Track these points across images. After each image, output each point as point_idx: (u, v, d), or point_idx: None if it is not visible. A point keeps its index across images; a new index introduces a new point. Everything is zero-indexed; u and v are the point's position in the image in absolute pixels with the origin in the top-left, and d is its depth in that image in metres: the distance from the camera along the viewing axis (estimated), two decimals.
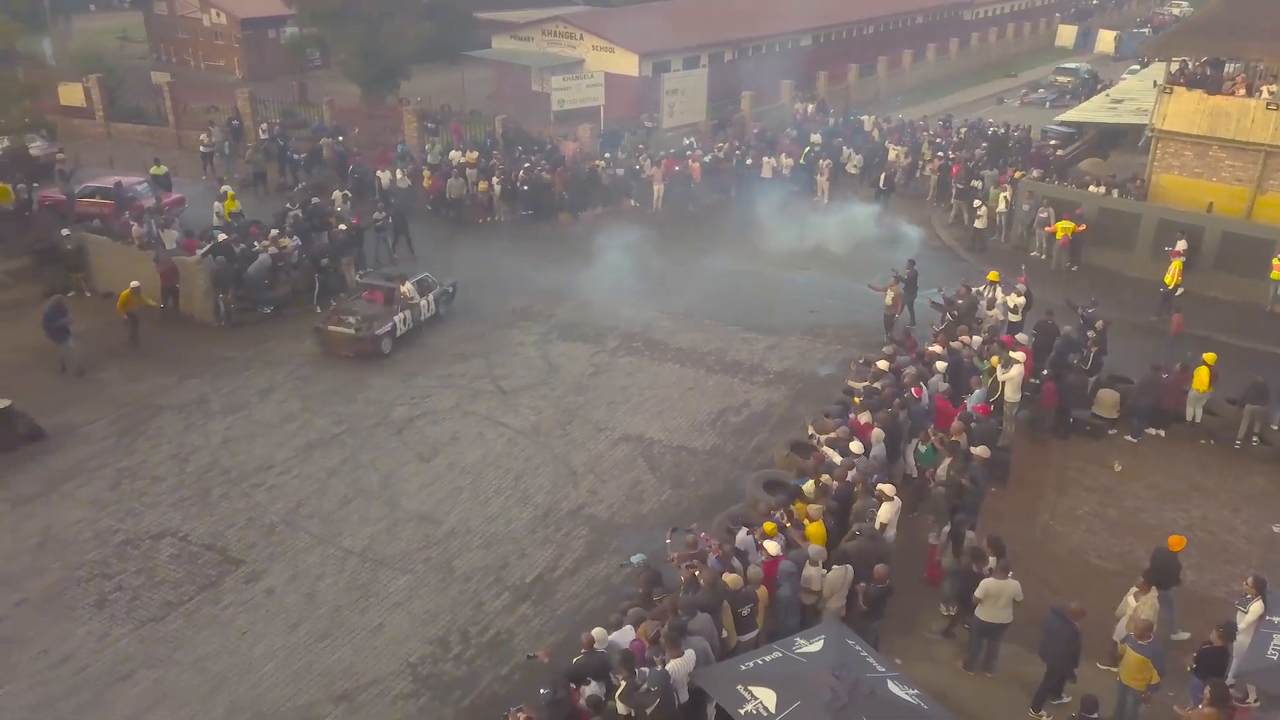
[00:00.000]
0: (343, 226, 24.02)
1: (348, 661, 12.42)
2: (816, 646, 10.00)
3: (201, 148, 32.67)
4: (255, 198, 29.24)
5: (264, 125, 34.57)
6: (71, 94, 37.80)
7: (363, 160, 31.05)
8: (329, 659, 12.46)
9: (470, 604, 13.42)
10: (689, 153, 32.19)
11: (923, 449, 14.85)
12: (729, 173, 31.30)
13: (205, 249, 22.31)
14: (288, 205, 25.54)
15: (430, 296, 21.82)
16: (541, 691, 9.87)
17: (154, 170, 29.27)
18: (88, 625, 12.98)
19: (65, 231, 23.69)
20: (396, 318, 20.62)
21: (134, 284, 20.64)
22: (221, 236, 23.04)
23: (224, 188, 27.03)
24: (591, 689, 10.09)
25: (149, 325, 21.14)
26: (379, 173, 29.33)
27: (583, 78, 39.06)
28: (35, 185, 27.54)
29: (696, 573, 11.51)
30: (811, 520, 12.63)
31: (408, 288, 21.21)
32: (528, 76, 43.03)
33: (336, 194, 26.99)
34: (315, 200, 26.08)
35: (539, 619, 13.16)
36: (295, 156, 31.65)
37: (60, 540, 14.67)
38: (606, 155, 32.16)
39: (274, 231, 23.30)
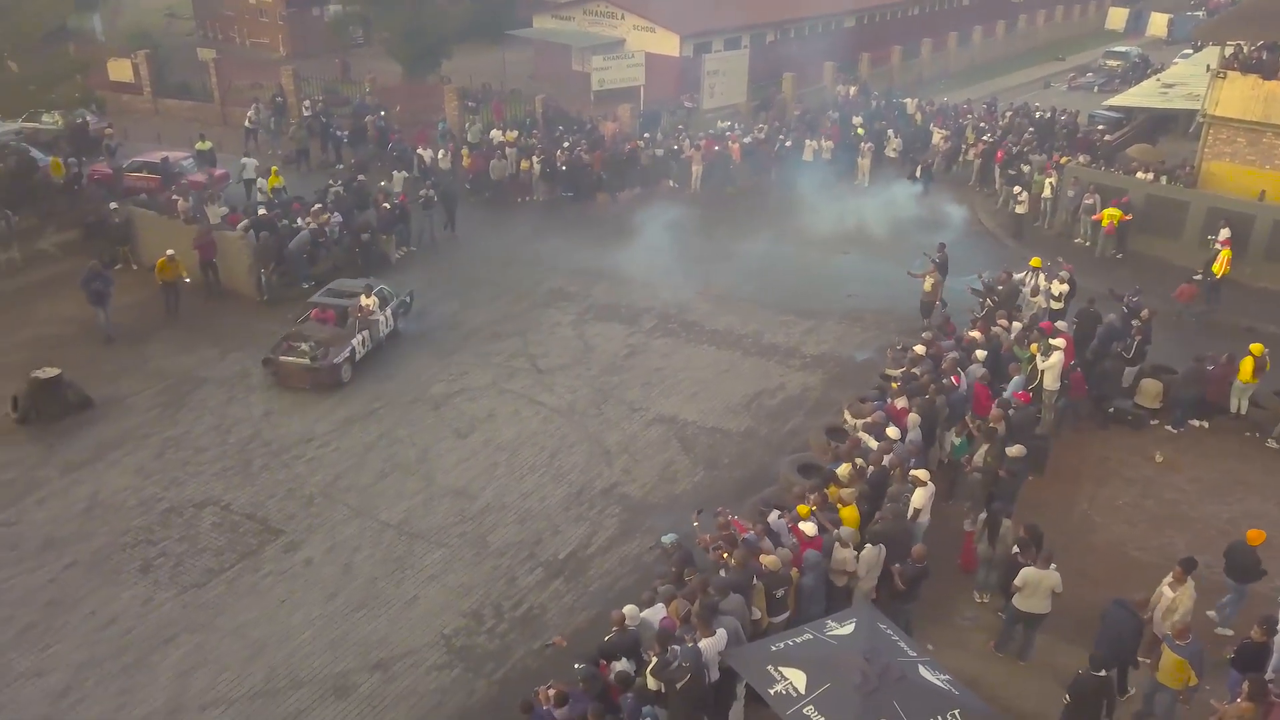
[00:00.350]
0: (387, 205, 24.14)
1: (383, 632, 12.63)
2: (848, 629, 10.01)
3: (246, 124, 33.03)
4: (298, 174, 29.55)
5: (307, 102, 34.86)
6: (120, 70, 38.36)
7: (403, 138, 31.26)
8: (365, 629, 12.68)
9: (504, 579, 13.58)
10: (728, 134, 32.00)
11: (957, 441, 14.70)
12: (769, 155, 31.07)
13: (247, 224, 22.63)
14: (330, 181, 25.81)
15: (388, 310, 19.98)
16: (577, 666, 9.98)
17: (199, 146, 29.65)
18: (133, 589, 13.32)
19: (113, 205, 24.14)
20: (355, 340, 18.74)
21: (169, 252, 21.03)
22: (262, 212, 23.38)
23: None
24: (621, 665, 10.20)
25: (192, 299, 21.53)
26: (420, 151, 29.53)
27: (623, 57, 38.92)
28: (84, 160, 28.08)
29: (725, 555, 11.55)
30: (845, 504, 12.61)
31: (370, 301, 19.25)
32: (568, 56, 42.93)
33: (397, 175, 27.05)
34: (360, 178, 26.33)
35: (571, 595, 13.29)
36: (338, 134, 31.95)
37: (107, 506, 15.05)
38: (646, 136, 32.05)
39: (316, 207, 23.55)
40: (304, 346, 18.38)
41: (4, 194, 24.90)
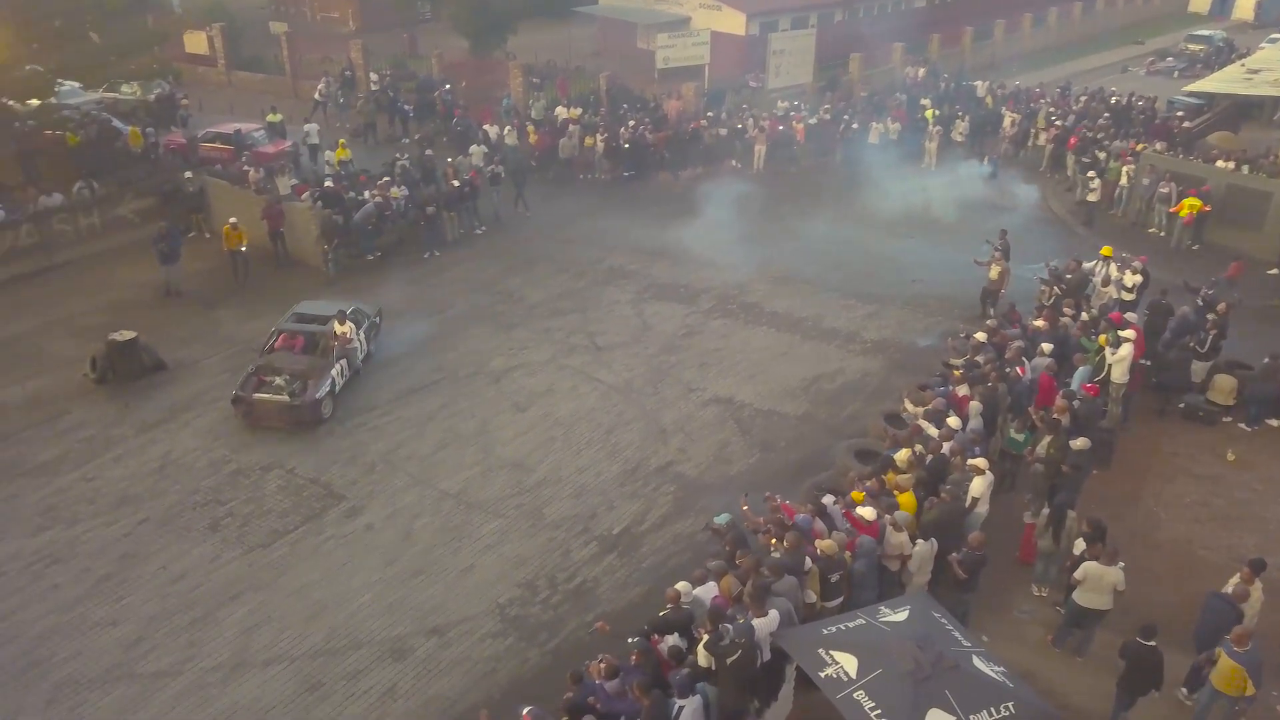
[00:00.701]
0: (456, 182, 24.29)
1: (439, 598, 12.89)
2: (901, 616, 9.95)
3: (315, 97, 33.60)
4: (365, 147, 29.99)
5: (375, 76, 35.32)
6: (196, 42, 39.26)
7: (468, 114, 31.51)
8: (422, 595, 12.95)
9: (558, 551, 13.76)
10: (793, 114, 31.67)
11: (1018, 437, 14.32)
12: (834, 136, 30.69)
13: (313, 195, 23.07)
14: (396, 155, 26.16)
15: (361, 333, 18.10)
16: (630, 640, 10.09)
17: (270, 118, 30.27)
18: (201, 546, 13.77)
19: (188, 174, 24.79)
20: (334, 370, 16.85)
21: (231, 220, 21.59)
22: (329, 184, 23.80)
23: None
24: (673, 640, 10.28)
25: (261, 268, 22.06)
26: (485, 126, 29.75)
27: (688, 35, 38.69)
28: (160, 130, 28.86)
29: (774, 540, 11.53)
30: (902, 490, 12.51)
31: (346, 329, 17.32)
32: (633, 33, 42.81)
33: (475, 149, 27.26)
34: (427, 152, 26.64)
35: (624, 570, 13.41)
36: (404, 108, 32.35)
37: (179, 465, 15.55)
38: (709, 115, 31.89)
39: (383, 180, 23.90)
40: (279, 381, 16.43)
41: (86, 162, 25.71)
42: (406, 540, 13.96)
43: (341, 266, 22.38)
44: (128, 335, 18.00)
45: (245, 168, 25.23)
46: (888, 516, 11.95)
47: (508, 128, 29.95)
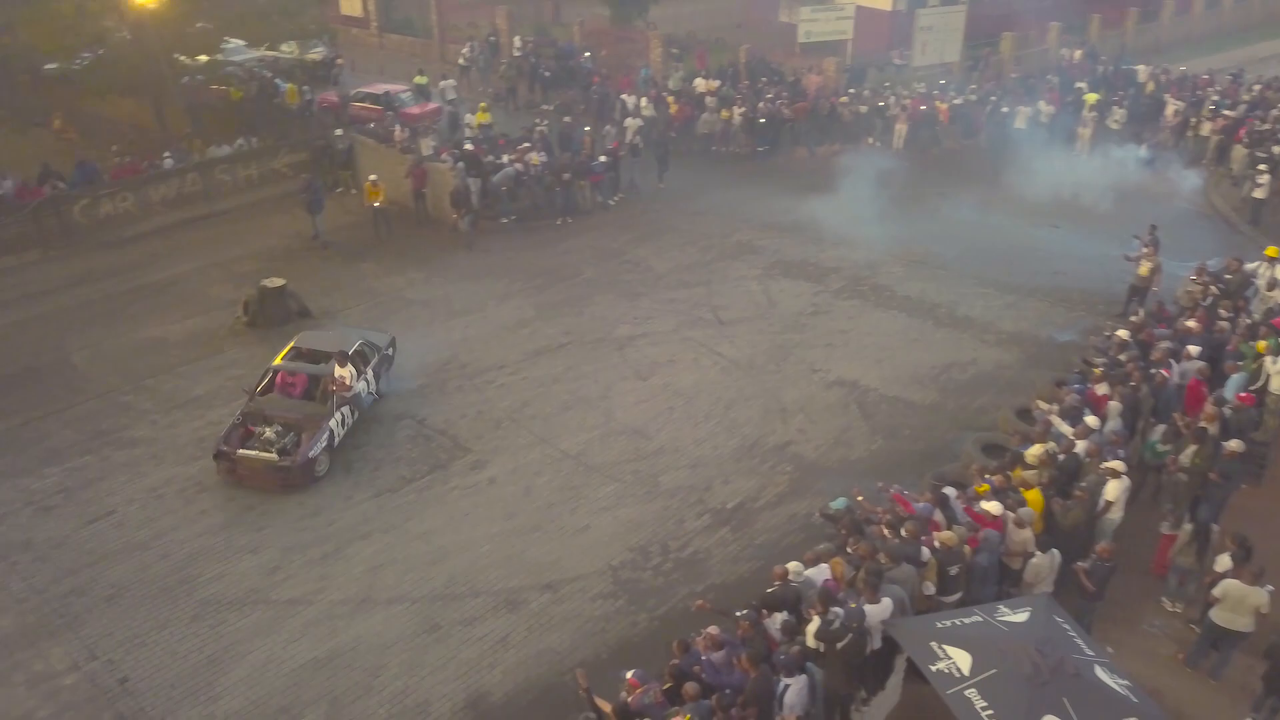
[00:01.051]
0: (604, 159, 24.44)
1: (555, 555, 13.23)
2: (1021, 617, 9.66)
3: (460, 61, 34.45)
4: (505, 112, 30.61)
5: (518, 40, 35.90)
6: (351, 4, 40.73)
7: (606, 83, 31.71)
8: (538, 550, 13.33)
9: (672, 520, 13.91)
10: (937, 93, 30.63)
11: (1161, 446, 13.56)
12: (979, 117, 29.54)
13: (454, 156, 23.72)
14: (536, 121, 26.61)
15: (369, 372, 15.78)
16: (738, 613, 10.14)
17: (417, 79, 31.24)
18: (336, 486, 14.53)
19: (338, 132, 25.88)
20: (331, 422, 14.63)
21: (371, 177, 22.47)
22: (469, 146, 24.43)
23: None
24: (783, 616, 10.28)
25: (404, 225, 22.91)
26: (622, 96, 29.89)
27: (832, 10, 37.75)
28: (313, 88, 30.20)
29: (888, 532, 11.34)
30: (1029, 488, 12.11)
31: (345, 373, 14.93)
32: (775, 5, 42.09)
33: (630, 121, 27.29)
34: (566, 119, 27.00)
35: (736, 545, 13.46)
36: (545, 74, 32.80)
37: None
38: (850, 91, 31.16)
39: (523, 145, 24.37)
40: (269, 434, 14.46)
41: (247, 116, 27.16)
42: (526, 496, 14.37)
43: (479, 228, 22.96)
44: (278, 282, 19.01)
45: (393, 127, 26.12)
46: (1011, 514, 11.60)
47: (644, 98, 30.00)
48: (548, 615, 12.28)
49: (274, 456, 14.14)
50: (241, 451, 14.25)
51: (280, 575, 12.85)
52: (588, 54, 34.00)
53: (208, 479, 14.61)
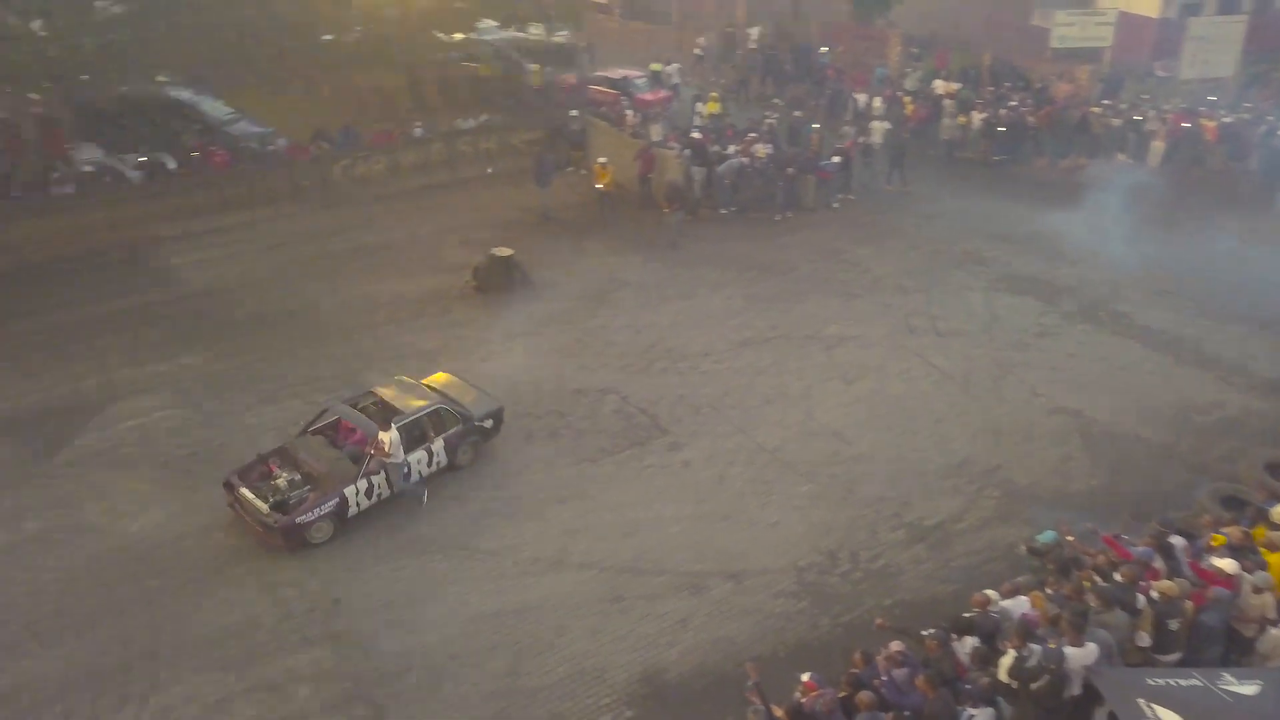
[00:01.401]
0: (836, 158, 24.09)
1: (742, 546, 13.23)
2: (1250, 689, 8.77)
3: (696, 50, 34.87)
4: (736, 103, 30.71)
5: (755, 32, 35.90)
6: None
7: (841, 80, 31.15)
8: (726, 538, 13.38)
9: (866, 528, 13.58)
10: (1204, 109, 28.01)
11: None
12: (1253, 138, 26.76)
13: (680, 144, 24.08)
14: (765, 113, 26.56)
15: (438, 443, 14.00)
16: (926, 631, 9.81)
17: (653, 66, 31.90)
18: (541, 450, 15.18)
19: (574, 113, 26.88)
20: (351, 489, 13.09)
21: (600, 159, 23.10)
22: (696, 135, 24.70)
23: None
24: (974, 642, 9.84)
25: (629, 208, 23.53)
26: (856, 95, 29.29)
27: (1092, 14, 35.22)
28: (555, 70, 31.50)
29: (1096, 577, 10.54)
30: (1275, 550, 10.94)
31: (388, 437, 13.20)
32: (1028, 8, 39.81)
33: (876, 124, 26.79)
34: (796, 113, 26.81)
35: (931, 564, 12.97)
36: (780, 68, 32.65)
37: (528, 378, 17.01)
38: (1105, 102, 29.05)
39: (750, 136, 24.39)
40: (280, 481, 13.18)
41: (492, 93, 28.74)
42: (720, 483, 14.45)
43: (698, 217, 23.09)
44: (506, 251, 20.04)
45: (626, 111, 26.84)
46: (1248, 575, 10.53)
47: (877, 98, 29.23)
48: (729, 604, 12.32)
49: (263, 508, 12.79)
50: (244, 491, 13.06)
51: (482, 526, 13.57)
52: (824, 49, 33.51)
53: None
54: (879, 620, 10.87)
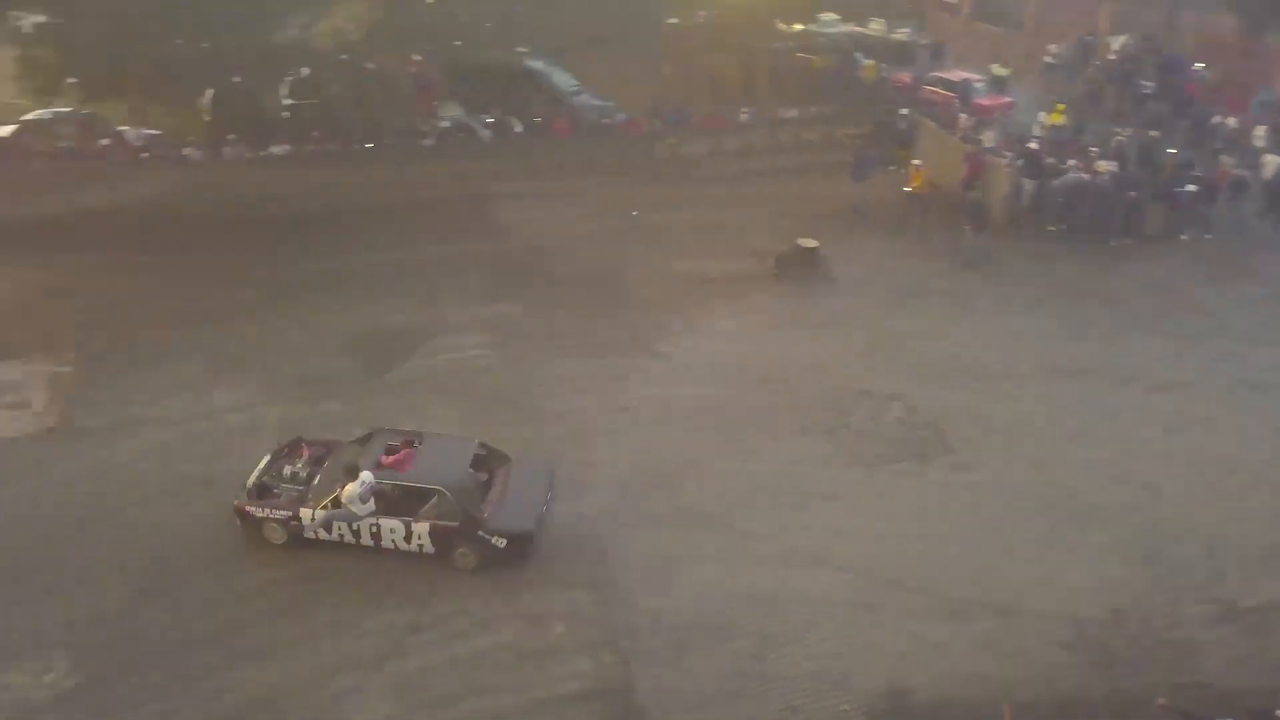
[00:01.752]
0: (1192, 187, 21.63)
1: (1018, 584, 12.29)
2: None
3: (1047, 58, 32.55)
4: (1086, 117, 28.32)
5: (1116, 44, 32.84)
6: None
7: (1210, 100, 27.70)
8: (1002, 572, 12.48)
9: (1165, 593, 12.14)
10: None
11: None
12: None
13: (1015, 154, 22.63)
14: (1117, 131, 24.32)
15: (419, 528, 12.13)
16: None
17: (996, 71, 30.24)
18: (816, 445, 15.02)
19: (903, 111, 26.12)
20: (305, 511, 12.29)
21: (914, 162, 22.20)
22: (1032, 145, 23.11)
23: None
24: None
25: (945, 216, 22.52)
26: (1227, 120, 25.93)
27: None
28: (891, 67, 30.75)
29: None
30: None
31: (347, 491, 12.00)
32: None
33: (1269, 158, 23.58)
34: (1152, 133, 24.32)
35: (1241, 649, 11.36)
36: (1139, 83, 29.66)
37: (819, 368, 16.88)
38: None
39: (1093, 151, 22.47)
40: (287, 468, 13.09)
41: (824, 85, 28.64)
42: (1005, 513, 13.53)
43: (981, 252, 21.42)
44: (812, 243, 20.00)
45: (960, 114, 25.69)
46: None
47: (1260, 127, 25.55)
48: (994, 640, 11.53)
49: (249, 480, 12.85)
50: (264, 460, 13.27)
51: (745, 508, 13.61)
52: (1200, 65, 29.97)
53: (695, 405, 15.83)
54: (1162, 700, 9.72)
